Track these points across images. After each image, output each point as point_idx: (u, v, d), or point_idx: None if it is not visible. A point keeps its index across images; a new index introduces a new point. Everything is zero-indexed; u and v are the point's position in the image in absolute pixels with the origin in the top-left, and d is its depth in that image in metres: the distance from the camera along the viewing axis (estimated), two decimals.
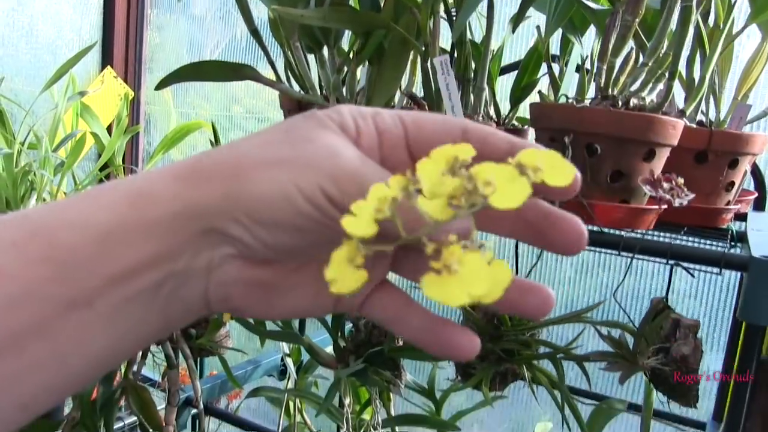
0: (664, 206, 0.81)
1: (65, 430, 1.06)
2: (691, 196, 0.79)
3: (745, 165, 0.91)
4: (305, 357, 1.40)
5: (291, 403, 1.39)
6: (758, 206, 1.20)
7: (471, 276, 0.26)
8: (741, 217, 1.08)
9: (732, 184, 0.92)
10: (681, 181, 0.79)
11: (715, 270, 0.73)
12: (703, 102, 0.99)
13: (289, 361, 1.35)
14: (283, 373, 1.48)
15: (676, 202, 0.77)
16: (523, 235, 0.34)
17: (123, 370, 1.18)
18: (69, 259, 0.29)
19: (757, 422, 0.80)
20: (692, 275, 0.76)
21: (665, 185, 0.78)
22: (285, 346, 1.36)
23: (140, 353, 1.12)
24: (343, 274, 0.29)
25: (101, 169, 1.73)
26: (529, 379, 0.84)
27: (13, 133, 1.53)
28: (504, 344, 0.81)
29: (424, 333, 0.33)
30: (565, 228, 0.32)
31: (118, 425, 1.66)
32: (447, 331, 0.33)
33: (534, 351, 0.82)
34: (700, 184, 0.88)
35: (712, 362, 1.50)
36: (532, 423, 1.48)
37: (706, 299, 1.53)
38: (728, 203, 0.93)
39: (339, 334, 0.95)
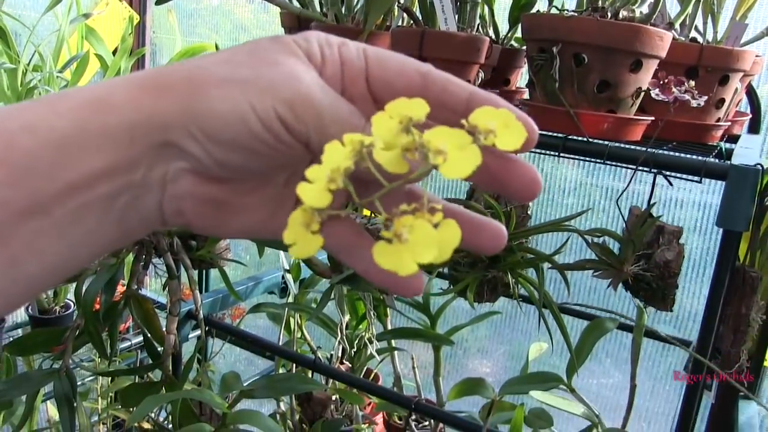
0: (652, 119, 0.83)
1: (71, 337, 1.10)
2: (705, 97, 0.80)
3: (735, 82, 0.92)
4: (306, 273, 1.43)
5: (291, 320, 1.43)
6: (752, 129, 1.21)
7: (420, 243, 0.27)
8: (735, 139, 1.09)
9: (722, 101, 0.93)
10: (692, 83, 0.80)
11: (696, 178, 0.74)
12: (701, 22, 0.99)
13: (289, 277, 1.38)
14: (284, 290, 1.52)
15: (694, 103, 0.79)
16: (484, 181, 0.33)
17: (126, 282, 1.21)
18: (26, 163, 0.28)
19: (729, 326, 0.83)
20: (671, 184, 0.78)
21: (676, 88, 0.79)
22: (285, 263, 1.39)
23: (141, 264, 1.15)
24: (301, 239, 0.30)
25: None
26: (513, 286, 0.86)
27: (18, 52, 1.54)
28: None
29: (373, 265, 0.31)
30: (518, 173, 0.32)
31: (124, 345, 1.72)
32: None
33: (519, 258, 0.84)
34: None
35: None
36: (529, 346, 1.52)
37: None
38: (718, 120, 0.94)
39: None
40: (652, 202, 0.84)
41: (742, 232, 0.73)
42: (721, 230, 0.74)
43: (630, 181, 0.95)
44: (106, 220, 0.32)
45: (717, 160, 0.88)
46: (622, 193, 0.98)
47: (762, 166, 0.71)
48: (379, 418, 1.50)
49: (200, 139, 0.31)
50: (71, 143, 0.29)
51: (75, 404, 1.09)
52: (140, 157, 0.31)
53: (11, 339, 1.91)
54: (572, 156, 0.80)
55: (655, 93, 0.80)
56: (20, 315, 1.95)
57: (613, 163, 0.78)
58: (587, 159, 0.80)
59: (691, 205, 1.58)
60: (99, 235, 0.32)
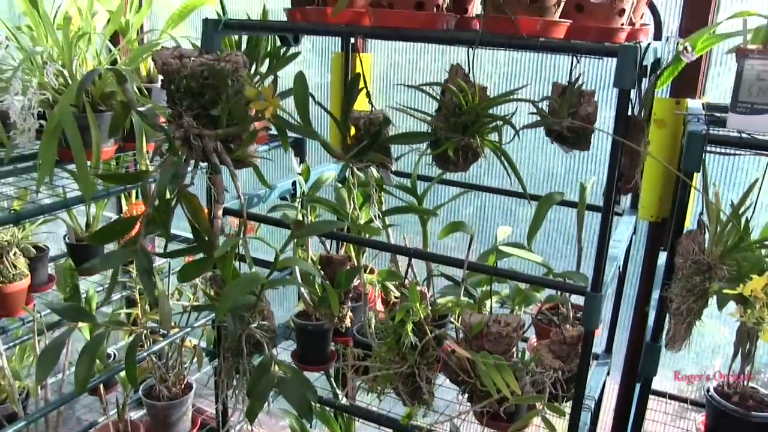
0: (570, 21, 1.18)
1: (142, 223, 1.43)
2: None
3: None
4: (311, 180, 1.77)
5: (301, 217, 1.77)
6: (656, 36, 1.57)
7: None
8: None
9: (623, 11, 1.28)
10: None
11: (597, 56, 1.10)
12: None
13: (300, 179, 1.72)
14: (293, 197, 1.85)
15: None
16: None
17: None
18: None
19: (627, 156, 1.19)
20: (579, 61, 1.13)
21: None
22: (297, 167, 1.72)
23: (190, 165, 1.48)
24: None
25: (111, 39, 2.05)
26: (480, 146, 1.22)
27: (46, 11, 1.83)
28: (464, 118, 1.19)
29: None
30: None
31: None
32: None
33: (483, 121, 1.19)
34: (599, 10, 1.24)
35: None
36: (494, 231, 1.88)
37: None
38: (621, 25, 1.29)
39: (346, 131, 1.31)
40: (574, 77, 1.20)
41: (630, 90, 1.09)
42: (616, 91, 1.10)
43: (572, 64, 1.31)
44: None
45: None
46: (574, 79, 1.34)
47: (640, 44, 1.07)
48: (375, 296, 1.86)
49: None
50: None
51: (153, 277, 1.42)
52: None
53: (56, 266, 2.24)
54: (516, 48, 1.15)
55: None
56: (62, 245, 2.27)
57: (544, 51, 1.13)
58: (526, 50, 1.15)
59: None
60: None
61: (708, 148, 1.13)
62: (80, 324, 1.87)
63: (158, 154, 1.44)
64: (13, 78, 1.57)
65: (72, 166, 1.93)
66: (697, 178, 1.25)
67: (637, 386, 1.49)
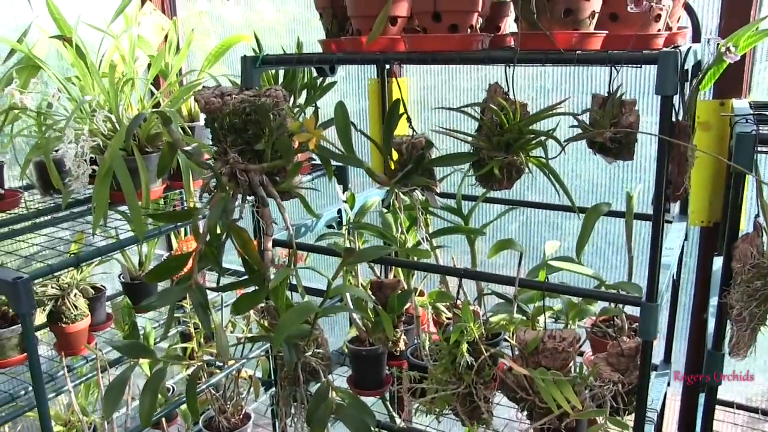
0: (605, 33, 1.18)
1: (195, 259, 1.45)
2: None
3: (668, 2, 1.26)
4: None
5: (349, 244, 1.79)
6: (695, 38, 1.55)
7: None
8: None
9: (659, 16, 1.27)
10: None
11: (637, 65, 1.09)
12: None
13: (346, 206, 1.73)
14: (339, 224, 1.87)
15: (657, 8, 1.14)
16: None
17: None
18: None
19: (675, 162, 1.18)
20: (617, 70, 1.13)
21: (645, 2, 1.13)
22: (342, 195, 1.74)
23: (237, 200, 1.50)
24: None
25: (154, 83, 2.12)
26: (525, 162, 1.22)
27: (93, 62, 1.89)
28: (507, 136, 1.19)
29: None
30: None
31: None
32: None
33: (528, 137, 1.19)
34: (634, 17, 1.24)
35: None
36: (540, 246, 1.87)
37: None
38: (658, 31, 1.28)
39: (388, 156, 1.32)
40: (614, 87, 1.19)
41: (673, 96, 1.07)
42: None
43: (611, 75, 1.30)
44: None
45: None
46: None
47: (680, 49, 1.06)
48: (427, 318, 1.86)
49: None
50: None
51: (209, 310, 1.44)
52: None
53: (113, 304, 2.30)
54: (554, 63, 1.14)
55: (630, 7, 1.14)
56: (116, 284, 2.33)
57: (582, 64, 1.13)
58: (564, 64, 1.14)
59: None
60: None
61: (759, 149, 1.11)
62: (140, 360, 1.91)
63: (206, 190, 1.46)
64: (66, 127, 1.62)
65: (123, 208, 1.99)
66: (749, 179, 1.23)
67: (701, 396, 1.46)
